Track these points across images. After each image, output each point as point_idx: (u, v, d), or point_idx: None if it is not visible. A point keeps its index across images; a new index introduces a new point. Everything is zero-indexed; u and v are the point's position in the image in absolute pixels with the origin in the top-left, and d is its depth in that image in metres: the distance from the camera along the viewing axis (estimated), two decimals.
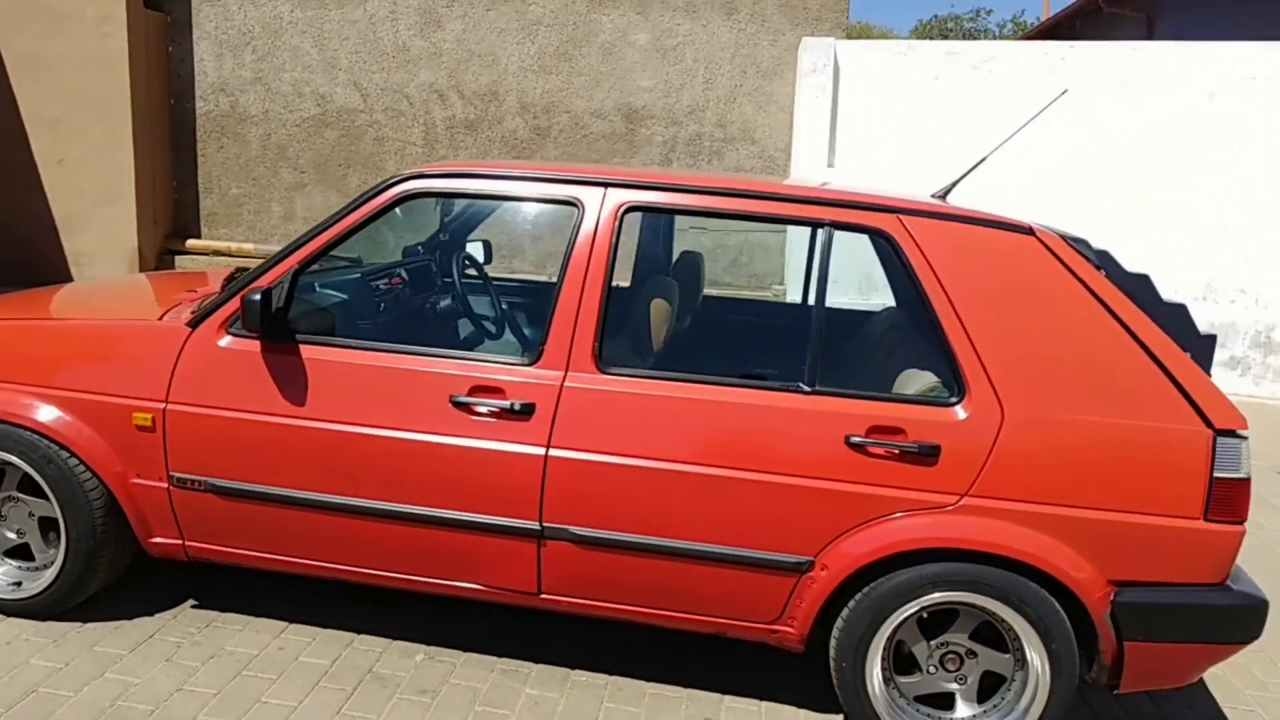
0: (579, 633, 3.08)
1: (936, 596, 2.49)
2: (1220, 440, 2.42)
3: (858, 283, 6.64)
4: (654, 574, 2.61)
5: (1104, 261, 2.64)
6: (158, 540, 2.86)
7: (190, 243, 8.21)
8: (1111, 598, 2.44)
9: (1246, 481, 2.43)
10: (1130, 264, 2.68)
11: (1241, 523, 2.44)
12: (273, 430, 2.67)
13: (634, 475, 2.55)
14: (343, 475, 2.66)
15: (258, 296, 2.55)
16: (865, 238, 2.64)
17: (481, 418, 2.60)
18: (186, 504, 2.78)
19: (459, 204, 3.75)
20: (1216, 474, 2.41)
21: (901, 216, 2.59)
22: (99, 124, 7.70)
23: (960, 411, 2.47)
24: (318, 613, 3.07)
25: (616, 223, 2.66)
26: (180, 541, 2.85)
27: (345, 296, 3.17)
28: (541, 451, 2.57)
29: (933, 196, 3.06)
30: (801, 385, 2.54)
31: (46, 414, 2.76)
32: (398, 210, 2.77)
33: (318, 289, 3.19)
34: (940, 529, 2.45)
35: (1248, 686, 3.16)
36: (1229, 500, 2.41)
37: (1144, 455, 2.42)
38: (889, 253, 2.61)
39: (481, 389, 2.61)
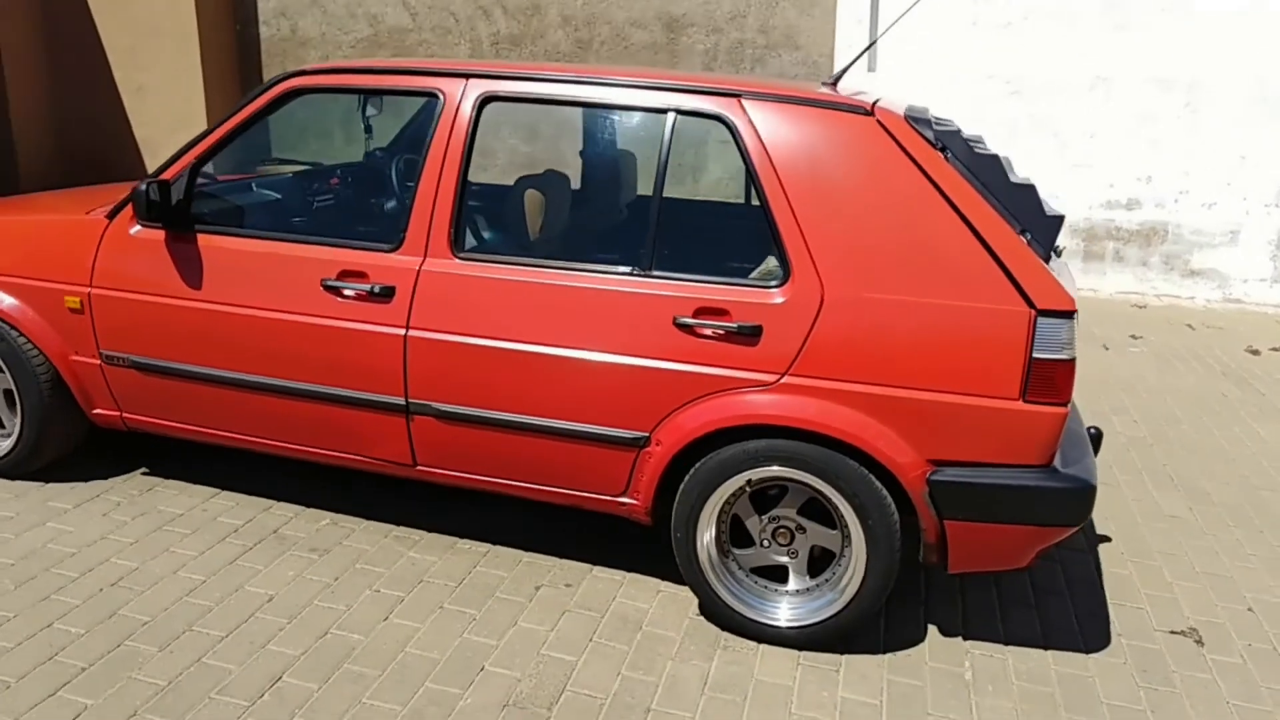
0: (488, 509, 3.30)
1: (758, 472, 2.58)
2: (1041, 320, 2.40)
3: None
4: (510, 448, 2.79)
5: (949, 141, 2.60)
6: (99, 411, 3.22)
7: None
8: (928, 476, 2.47)
9: (1069, 363, 2.41)
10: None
11: (1064, 404, 2.42)
12: (175, 311, 2.97)
13: (484, 354, 2.72)
14: (235, 352, 2.94)
15: (144, 187, 2.82)
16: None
17: (348, 300, 2.81)
18: (116, 379, 3.12)
19: (423, 111, 3.92)
20: (1035, 354, 2.40)
21: (743, 100, 2.63)
22: (170, 51, 8.20)
23: (782, 294, 2.52)
24: (256, 483, 3.40)
25: (475, 113, 2.79)
26: (118, 413, 3.20)
27: (276, 195, 3.41)
28: (401, 332, 2.77)
29: (822, 84, 3.04)
30: (636, 269, 2.63)
31: None
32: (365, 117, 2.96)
33: (255, 189, 3.44)
34: (759, 406, 2.54)
35: (1150, 586, 3.12)
36: (1049, 381, 2.40)
37: (962, 335, 2.43)
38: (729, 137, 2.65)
39: (348, 273, 2.81)
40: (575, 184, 3.32)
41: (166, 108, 8.32)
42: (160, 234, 2.98)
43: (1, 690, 2.32)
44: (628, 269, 2.65)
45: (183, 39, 8.15)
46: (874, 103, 2.59)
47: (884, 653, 2.70)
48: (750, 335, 2.54)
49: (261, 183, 3.49)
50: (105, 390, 3.16)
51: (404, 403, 2.82)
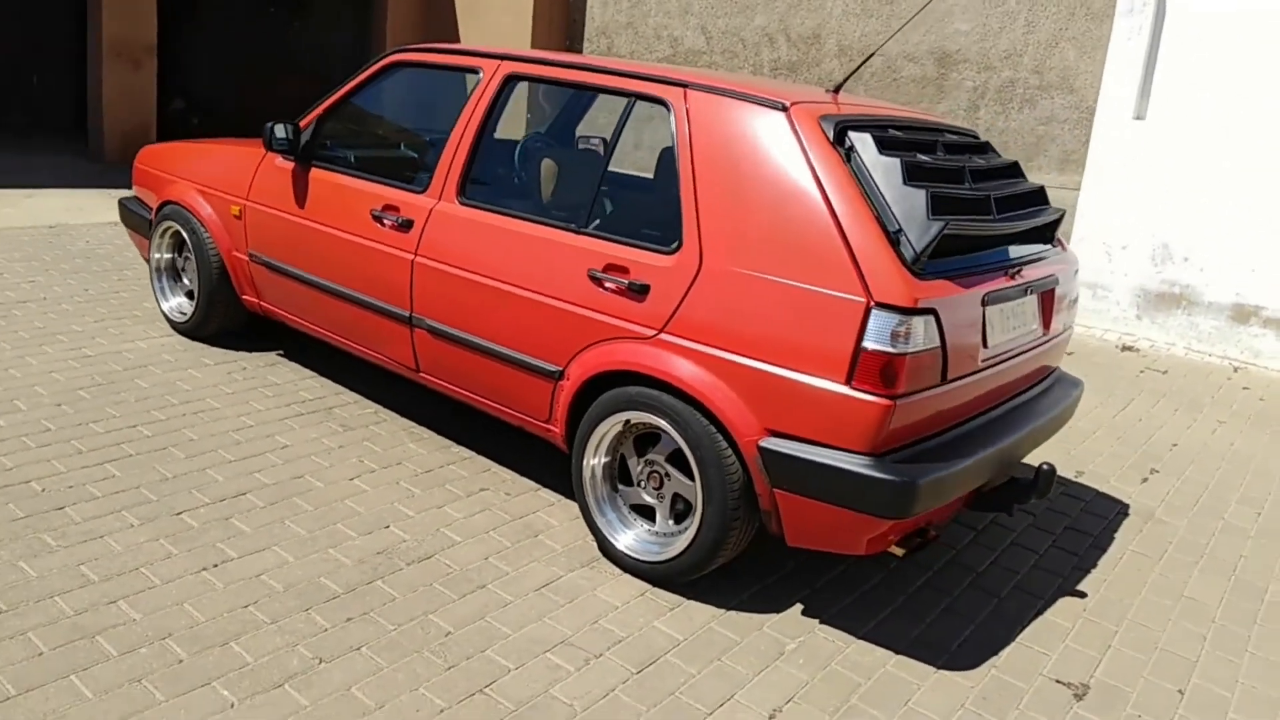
0: (503, 434, 3.86)
1: (634, 415, 2.89)
2: (875, 312, 2.49)
3: None
4: (475, 366, 3.33)
5: (859, 144, 2.73)
6: (247, 298, 4.23)
7: None
8: (759, 443, 2.65)
9: (899, 358, 2.47)
10: None
11: (889, 397, 2.49)
12: (286, 223, 3.86)
13: (459, 282, 3.28)
14: (316, 259, 3.77)
15: (270, 125, 3.73)
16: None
17: (384, 228, 3.51)
18: (256, 273, 4.09)
19: (570, 102, 4.56)
20: (865, 344, 2.50)
21: (687, 90, 2.96)
22: None
23: (670, 260, 2.82)
24: (348, 378, 4.24)
25: (499, 87, 3.37)
26: (258, 301, 4.19)
27: (414, 154, 4.21)
28: (411, 257, 3.42)
29: (826, 90, 3.25)
30: (575, 226, 3.06)
31: (195, 200, 4.24)
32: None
33: (403, 148, 4.28)
34: (635, 355, 2.86)
35: (1080, 641, 2.95)
36: (875, 371, 2.49)
37: (807, 316, 2.58)
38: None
39: (388, 207, 3.51)
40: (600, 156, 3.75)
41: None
42: (291, 164, 3.90)
43: (74, 454, 3.29)
44: (571, 225, 3.08)
45: (521, 48, 9.55)
46: (794, 102, 2.80)
47: (729, 609, 2.87)
48: (640, 292, 2.86)
49: (409, 144, 4.31)
50: (250, 281, 4.15)
51: (408, 315, 3.46)
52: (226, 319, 4.36)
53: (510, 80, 3.37)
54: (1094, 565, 3.43)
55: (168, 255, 4.53)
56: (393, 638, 2.55)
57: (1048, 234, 3.39)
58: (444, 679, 2.42)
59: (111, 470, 3.21)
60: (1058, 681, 2.73)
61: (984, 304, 2.80)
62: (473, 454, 3.66)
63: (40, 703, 2.17)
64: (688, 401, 2.77)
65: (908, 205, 2.65)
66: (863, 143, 2.75)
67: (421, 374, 3.56)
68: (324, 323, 3.88)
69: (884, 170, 2.70)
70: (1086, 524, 3.76)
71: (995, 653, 2.83)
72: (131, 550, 2.78)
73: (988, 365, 2.87)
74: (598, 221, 3.05)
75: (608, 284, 2.93)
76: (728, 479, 2.72)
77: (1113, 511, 3.89)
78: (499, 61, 3.41)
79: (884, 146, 2.77)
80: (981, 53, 7.71)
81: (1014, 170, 3.35)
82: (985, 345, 2.83)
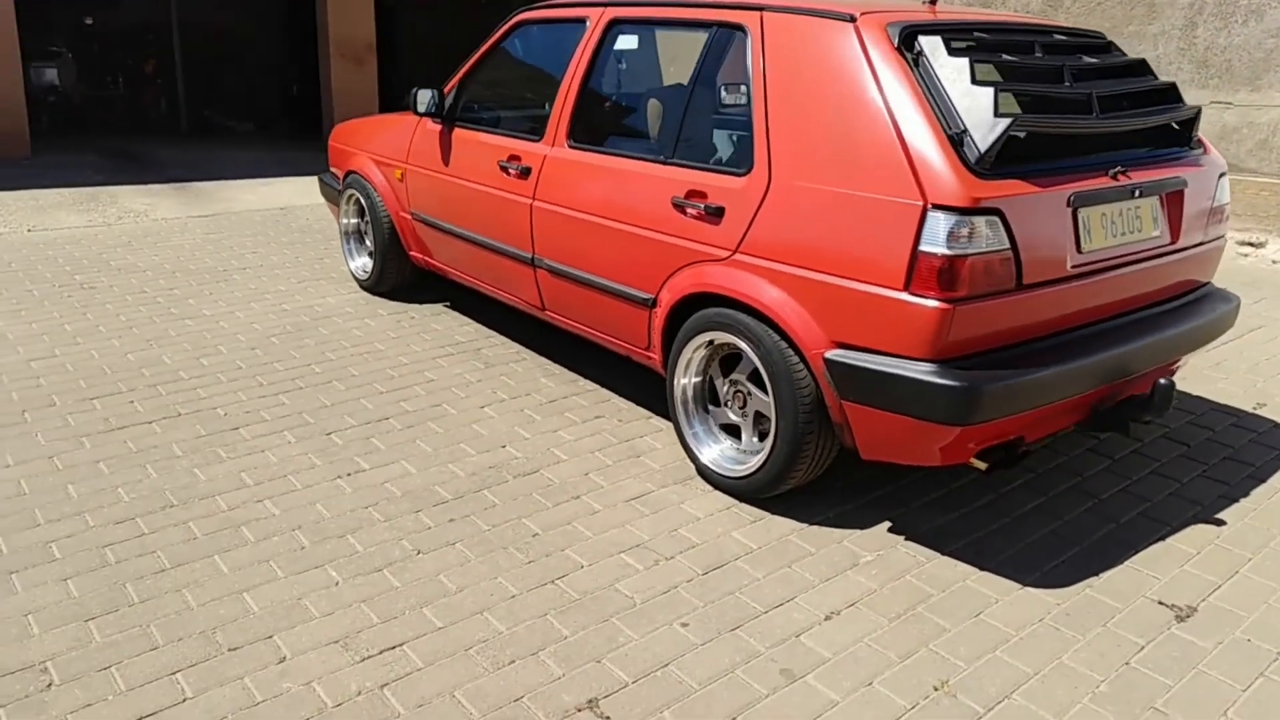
0: (629, 371, 4.04)
1: (716, 335, 2.99)
2: (931, 214, 2.45)
3: None
4: (585, 300, 3.53)
5: (928, 48, 2.67)
6: (413, 254, 4.66)
7: None
8: (824, 354, 2.68)
9: (957, 259, 2.42)
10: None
11: (950, 302, 2.44)
12: (436, 181, 4.23)
13: (567, 221, 3.50)
14: (459, 211, 4.11)
15: (415, 90, 4.10)
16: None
17: (509, 176, 3.78)
18: (418, 229, 4.51)
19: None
20: (921, 247, 2.46)
21: (763, 14, 3.00)
22: None
23: (742, 181, 2.89)
24: (504, 325, 4.58)
25: (603, 32, 3.54)
26: (422, 256, 4.61)
27: (535, 106, 4.46)
28: (530, 201, 3.67)
29: (922, 3, 3.18)
30: (661, 158, 3.18)
31: (370, 168, 4.73)
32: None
33: (526, 101, 4.55)
34: (712, 277, 2.95)
35: (1200, 567, 2.76)
36: (934, 275, 2.45)
37: (866, 224, 2.58)
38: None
39: (512, 157, 3.78)
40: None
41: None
42: (439, 127, 4.26)
43: (255, 386, 3.80)
44: (658, 157, 3.20)
45: None
46: (864, 12, 2.77)
47: (812, 524, 2.92)
48: (716, 215, 2.95)
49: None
50: (414, 237, 4.58)
51: (530, 256, 3.72)
52: (399, 275, 4.82)
53: (613, 25, 3.53)
54: (1244, 495, 3.16)
55: (353, 220, 5.07)
56: (485, 536, 2.81)
57: (1183, 135, 3.13)
58: (521, 571, 2.64)
59: (282, 399, 3.70)
60: (1160, 603, 2.57)
61: (1073, 205, 2.66)
62: (596, 387, 3.88)
63: (187, 574, 2.59)
64: (759, 318, 2.84)
65: (972, 105, 2.57)
66: (932, 46, 2.69)
67: (546, 311, 3.82)
68: (470, 270, 4.23)
69: (952, 71, 2.63)
70: (1250, 455, 3.44)
71: (1095, 574, 2.70)
72: (284, 461, 3.22)
73: (1082, 272, 2.72)
74: (681, 151, 3.15)
75: (689, 209, 3.04)
76: (799, 393, 2.76)
77: None
78: (603, 9, 3.58)
79: (955, 49, 2.69)
80: None
81: (1137, 69, 3.12)
82: (1078, 250, 2.69)
